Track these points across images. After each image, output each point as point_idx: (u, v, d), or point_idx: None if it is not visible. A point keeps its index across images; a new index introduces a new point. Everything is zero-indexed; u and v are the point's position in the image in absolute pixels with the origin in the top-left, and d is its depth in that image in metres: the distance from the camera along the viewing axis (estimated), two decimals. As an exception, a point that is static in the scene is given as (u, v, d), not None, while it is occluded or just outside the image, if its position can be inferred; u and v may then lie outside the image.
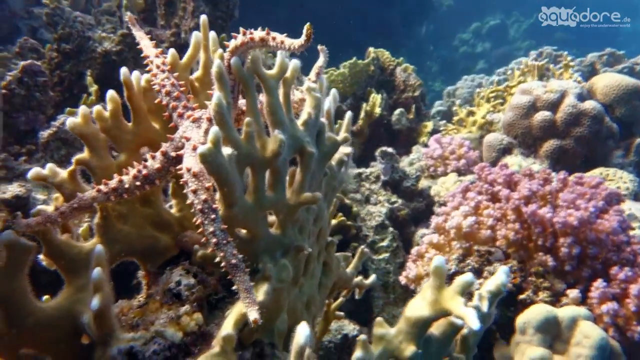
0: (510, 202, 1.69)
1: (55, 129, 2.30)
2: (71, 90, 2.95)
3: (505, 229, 1.66)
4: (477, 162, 2.86)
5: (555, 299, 1.53)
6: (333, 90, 1.07)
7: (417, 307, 0.81)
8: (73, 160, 0.88)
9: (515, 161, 2.55)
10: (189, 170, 0.78)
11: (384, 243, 2.60)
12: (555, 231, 1.58)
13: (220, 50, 0.83)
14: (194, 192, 0.76)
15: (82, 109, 0.87)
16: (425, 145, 3.24)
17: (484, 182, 1.88)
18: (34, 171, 0.86)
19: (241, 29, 0.82)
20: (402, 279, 1.94)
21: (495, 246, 1.70)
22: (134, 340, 0.78)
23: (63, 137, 2.31)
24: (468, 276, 0.79)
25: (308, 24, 0.74)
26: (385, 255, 2.57)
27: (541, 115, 2.66)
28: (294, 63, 0.87)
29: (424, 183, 2.91)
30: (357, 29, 7.90)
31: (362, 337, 0.80)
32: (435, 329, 0.85)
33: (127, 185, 0.82)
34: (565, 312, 1.42)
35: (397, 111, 3.52)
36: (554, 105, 2.66)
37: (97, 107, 0.88)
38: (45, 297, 0.86)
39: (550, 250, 1.59)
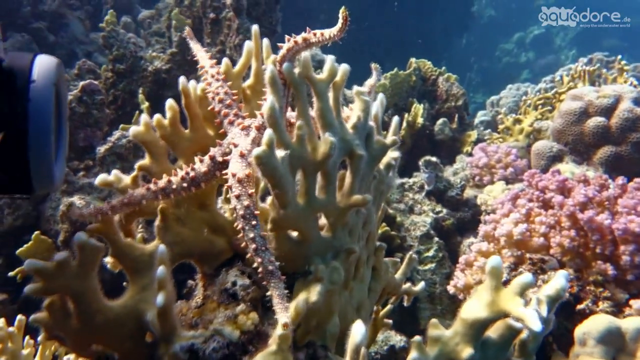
0: (564, 209, 1.63)
1: (110, 144, 2.42)
2: (124, 107, 3.11)
3: (560, 236, 1.60)
4: (525, 170, 2.78)
5: (617, 310, 1.46)
6: (380, 95, 1.08)
7: (474, 309, 0.79)
8: (136, 166, 0.92)
9: (566, 168, 2.47)
10: (234, 175, 0.81)
11: (430, 253, 2.56)
12: (615, 239, 1.51)
13: (273, 56, 0.86)
14: (237, 197, 0.79)
15: (144, 117, 0.92)
16: (470, 155, 3.18)
17: (535, 189, 1.83)
18: (101, 177, 0.92)
19: (286, 37, 0.85)
20: (451, 289, 1.91)
21: (549, 254, 1.64)
22: (194, 338, 0.81)
23: (118, 152, 2.43)
24: (527, 277, 0.77)
25: (343, 7, 0.77)
26: (431, 265, 2.53)
27: (594, 121, 2.57)
28: (344, 67, 0.89)
29: (469, 192, 2.85)
30: (396, 42, 7.90)
31: (417, 338, 0.80)
32: (493, 332, 0.83)
33: (174, 186, 0.85)
34: (629, 323, 1.36)
35: (440, 121, 3.49)
36: (608, 111, 2.56)
37: (157, 116, 0.92)
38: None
39: (609, 259, 1.52)
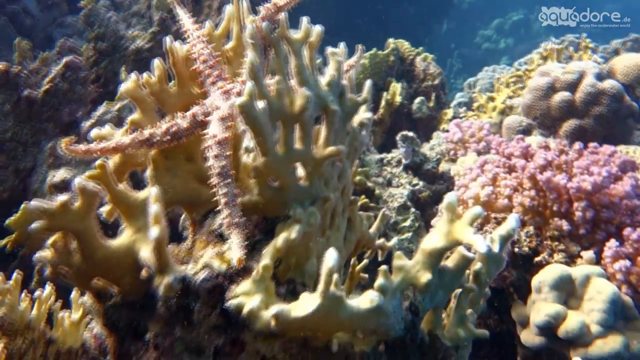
0: (526, 171, 1.76)
1: (95, 119, 2.48)
2: (107, 86, 3.14)
3: (522, 196, 1.73)
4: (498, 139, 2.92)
5: (571, 260, 1.60)
6: (352, 58, 1.18)
7: (432, 239, 0.91)
8: (127, 120, 1.01)
9: (534, 140, 2.60)
10: (214, 136, 0.90)
11: (407, 223, 2.68)
12: (570, 197, 1.65)
13: (252, 16, 0.95)
14: (216, 157, 0.88)
15: (132, 75, 1.00)
16: (446, 132, 3.31)
17: (502, 155, 1.96)
18: (95, 131, 1.00)
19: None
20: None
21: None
22: (186, 270, 0.90)
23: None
24: (477, 209, 0.88)
25: None
26: (408, 235, 2.66)
27: (560, 96, 2.71)
28: (317, 28, 0.98)
29: (444, 166, 2.98)
30: (376, 28, 7.97)
31: (383, 267, 0.90)
32: (449, 261, 0.94)
33: (157, 138, 0.94)
34: (579, 270, 1.49)
35: (418, 99, 3.60)
36: (572, 86, 2.70)
37: (145, 74, 1.01)
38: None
39: (565, 216, 1.66)
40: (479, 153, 2.88)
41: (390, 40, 3.79)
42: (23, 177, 2.47)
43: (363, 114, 1.21)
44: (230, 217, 0.85)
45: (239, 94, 0.96)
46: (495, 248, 1.00)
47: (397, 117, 3.63)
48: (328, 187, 1.09)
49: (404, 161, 2.91)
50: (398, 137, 2.95)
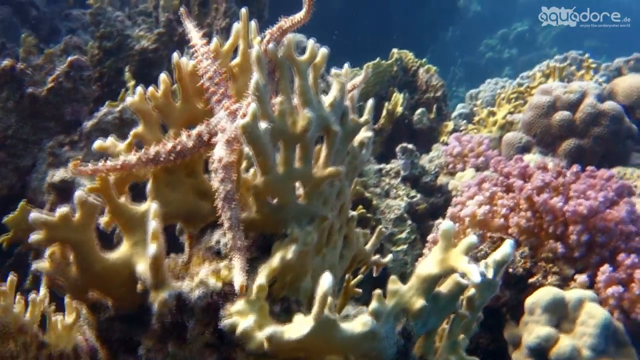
0: (523, 192, 1.77)
1: (97, 120, 2.49)
2: (110, 85, 3.15)
3: (518, 217, 1.74)
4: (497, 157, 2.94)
5: (564, 283, 1.61)
6: (358, 78, 1.19)
7: (427, 266, 0.91)
8: (131, 133, 1.01)
9: (532, 158, 2.62)
10: (219, 160, 0.91)
11: (403, 235, 2.69)
12: (566, 220, 1.66)
13: (259, 37, 0.96)
14: (221, 180, 0.90)
15: (139, 88, 1.01)
16: (446, 144, 3.32)
17: (499, 174, 1.97)
18: (98, 143, 1.01)
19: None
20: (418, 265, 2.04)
21: (508, 234, 1.79)
22: (182, 287, 0.91)
23: (104, 128, 2.49)
24: (472, 238, 0.89)
25: None
26: (404, 247, 2.67)
27: (560, 115, 2.72)
28: (323, 50, 0.99)
29: (442, 179, 3.00)
30: (380, 34, 8.00)
31: (378, 291, 0.91)
32: (443, 287, 0.95)
33: (162, 157, 0.95)
34: (572, 294, 1.50)
35: (419, 111, 3.62)
36: (573, 105, 2.72)
37: (150, 88, 1.01)
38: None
39: (560, 238, 1.67)
40: (478, 168, 2.89)
41: (395, 50, 3.80)
42: (22, 174, 2.48)
43: (364, 133, 1.22)
44: (233, 240, 0.86)
45: (245, 116, 0.97)
46: (490, 274, 1.01)
47: (398, 127, 3.64)
48: (326, 206, 1.10)
49: (402, 173, 2.92)
50: (397, 149, 2.96)
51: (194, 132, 0.96)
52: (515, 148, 2.91)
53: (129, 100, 1.00)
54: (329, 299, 0.84)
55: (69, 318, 1.43)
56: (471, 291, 1.00)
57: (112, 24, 3.13)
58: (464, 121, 4.02)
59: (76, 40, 3.32)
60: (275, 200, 1.01)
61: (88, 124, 2.49)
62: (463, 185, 2.06)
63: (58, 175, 2.29)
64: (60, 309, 1.44)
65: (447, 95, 3.86)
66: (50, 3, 5.13)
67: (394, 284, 0.93)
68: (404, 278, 2.76)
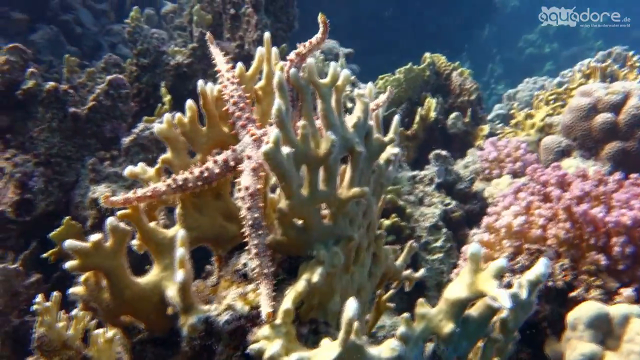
0: (561, 202, 1.71)
1: (135, 135, 2.57)
2: (148, 100, 3.25)
3: (557, 228, 1.68)
4: (534, 164, 2.84)
5: (608, 298, 1.53)
6: (382, 96, 1.18)
7: (455, 289, 0.89)
8: (159, 160, 1.04)
9: (572, 163, 2.53)
10: (247, 188, 0.92)
11: (438, 243, 2.65)
12: (609, 231, 1.59)
13: (281, 63, 0.96)
14: (249, 209, 0.91)
15: (166, 116, 1.03)
16: (481, 149, 3.25)
17: (536, 182, 1.91)
18: (129, 169, 1.04)
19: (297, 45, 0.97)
20: (454, 276, 2.00)
21: (546, 245, 1.72)
22: (210, 311, 0.92)
23: (141, 143, 2.57)
24: (501, 261, 0.86)
25: (320, 13, 0.90)
26: (439, 255, 2.62)
27: (602, 117, 2.61)
28: (345, 73, 0.98)
29: (478, 186, 2.93)
30: (414, 35, 7.91)
31: (406, 314, 0.90)
32: (474, 310, 0.93)
33: (190, 184, 0.97)
34: (617, 309, 1.43)
35: (453, 115, 3.55)
36: (616, 107, 2.60)
37: (178, 115, 1.04)
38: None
39: (603, 250, 1.60)
40: (515, 173, 2.81)
41: (427, 54, 3.75)
42: (66, 190, 2.59)
43: (390, 150, 1.20)
44: (260, 267, 0.87)
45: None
46: (523, 295, 0.98)
47: (431, 132, 3.59)
48: (353, 226, 1.09)
49: (436, 180, 2.87)
50: (431, 156, 2.92)
51: (221, 158, 0.97)
52: (554, 152, 2.81)
53: (157, 127, 1.02)
54: (356, 324, 0.84)
55: (110, 332, 1.48)
56: (504, 313, 0.97)
57: (149, 40, 3.23)
58: (501, 124, 3.92)
59: (115, 58, 3.45)
60: (300, 222, 1.01)
61: (126, 140, 2.58)
62: (498, 194, 2.01)
63: (99, 191, 2.37)
64: (102, 323, 1.49)
65: (482, 98, 3.77)
66: (94, 19, 5.35)
67: (422, 307, 0.92)
68: (440, 287, 2.72)
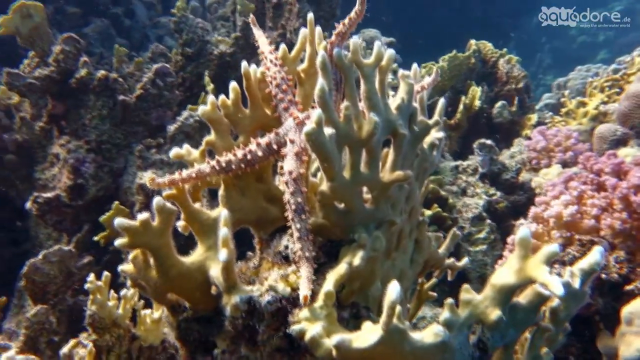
0: (617, 191, 1.62)
1: (179, 123, 2.63)
2: (192, 89, 3.31)
3: (611, 218, 1.60)
4: (586, 153, 2.71)
5: (666, 293, 1.45)
6: (427, 78, 1.15)
7: (503, 275, 0.86)
8: (203, 141, 1.06)
9: (629, 152, 2.39)
10: (290, 173, 0.92)
11: (481, 235, 2.58)
12: (669, 222, 1.49)
13: (324, 43, 0.95)
14: (292, 193, 0.91)
15: (210, 97, 1.04)
16: (528, 138, 3.13)
17: (590, 171, 1.82)
18: (175, 151, 1.06)
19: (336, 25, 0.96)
20: (498, 268, 1.94)
21: (599, 236, 1.64)
22: (252, 291, 0.93)
23: (186, 131, 2.63)
24: (553, 246, 0.82)
25: None
26: (482, 247, 2.56)
27: (662, 104, 2.46)
28: (389, 52, 0.96)
29: (525, 176, 2.83)
30: (458, 22, 7.70)
31: (449, 300, 0.87)
32: (522, 297, 0.89)
33: (233, 166, 0.98)
34: (676, 305, 1.35)
35: (499, 104, 3.43)
36: (678, 92, 2.44)
37: (221, 97, 1.05)
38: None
39: (662, 242, 1.51)
40: (565, 164, 2.69)
41: (472, 41, 3.64)
42: (116, 176, 2.68)
43: (434, 134, 1.18)
44: (302, 251, 0.87)
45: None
46: (576, 284, 0.94)
47: (476, 121, 3.49)
48: (395, 210, 1.07)
49: (480, 170, 2.79)
50: (475, 145, 2.84)
51: (264, 141, 0.98)
52: (609, 142, 2.67)
53: (202, 109, 1.03)
54: (398, 308, 0.82)
55: (156, 313, 1.53)
56: (555, 302, 0.93)
57: (194, 30, 3.28)
58: (550, 113, 3.76)
59: (162, 48, 3.53)
60: (342, 206, 1.00)
61: (172, 128, 2.64)
62: (547, 183, 1.93)
63: (146, 176, 2.44)
64: (149, 304, 1.54)
65: (529, 86, 3.63)
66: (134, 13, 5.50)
67: (467, 293, 0.89)
68: (483, 280, 2.65)
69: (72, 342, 1.55)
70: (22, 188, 3.01)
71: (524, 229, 0.84)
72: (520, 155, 2.93)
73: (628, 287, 1.51)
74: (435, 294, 1.53)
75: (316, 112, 0.86)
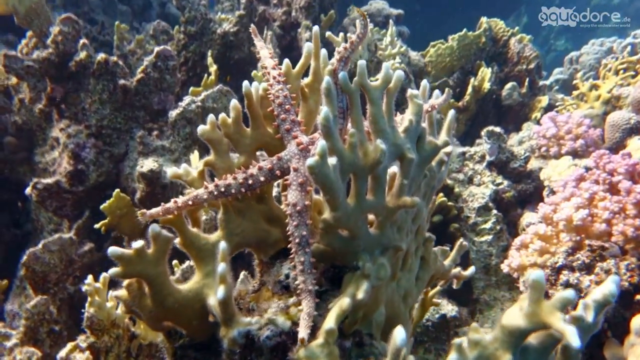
0: (631, 196, 1.57)
1: (181, 109, 2.56)
2: (195, 69, 3.23)
3: (624, 224, 1.55)
4: (597, 142, 2.64)
5: (678, 305, 1.42)
6: (436, 92, 1.08)
7: (514, 317, 0.82)
8: (201, 162, 1.01)
9: (643, 145, 2.32)
10: (295, 205, 0.88)
11: (487, 225, 2.54)
12: (683, 232, 1.45)
13: (330, 67, 0.89)
14: (296, 226, 0.88)
15: (210, 117, 0.99)
16: (538, 122, 3.04)
17: (602, 170, 1.76)
18: (172, 171, 1.01)
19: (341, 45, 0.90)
20: (505, 267, 1.91)
21: (611, 242, 1.60)
22: (251, 324, 0.90)
23: (188, 117, 2.57)
24: (569, 292, 0.78)
25: (356, 8, 0.84)
26: (488, 237, 2.52)
27: (680, 93, 2.37)
28: (398, 74, 0.90)
29: (533, 164, 2.76)
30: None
31: (457, 340, 0.84)
32: (534, 338, 0.86)
33: (233, 190, 0.93)
34: (687, 320, 1.32)
35: (509, 85, 3.34)
36: (697, 81, 2.34)
37: (222, 115, 0.99)
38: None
39: (675, 252, 1.47)
40: (575, 152, 2.63)
41: (483, 19, 3.50)
42: (116, 162, 2.64)
43: (443, 149, 1.12)
44: (304, 284, 0.84)
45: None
46: (590, 318, 0.90)
47: (484, 103, 3.40)
48: (401, 233, 1.03)
49: (488, 158, 2.73)
50: (483, 133, 2.77)
51: (266, 166, 0.93)
52: (621, 130, 2.60)
53: (201, 129, 0.98)
54: (403, 353, 0.79)
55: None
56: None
57: (196, 7, 3.17)
58: (561, 95, 3.65)
59: (164, 25, 3.42)
60: (345, 233, 0.96)
61: (173, 113, 2.58)
62: (558, 183, 1.87)
63: (147, 165, 2.40)
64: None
65: (541, 66, 3.51)
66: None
67: (475, 332, 0.86)
68: (488, 270, 2.61)
69: (69, 345, 1.55)
70: (22, 171, 2.98)
71: (537, 272, 0.80)
72: (529, 142, 2.86)
73: (639, 297, 1.48)
74: (440, 301, 1.51)
75: (320, 144, 0.81)
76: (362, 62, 0.87)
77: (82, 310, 1.51)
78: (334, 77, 0.88)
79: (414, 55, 3.28)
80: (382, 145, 0.88)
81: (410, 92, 0.95)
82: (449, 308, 2.31)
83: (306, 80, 1.06)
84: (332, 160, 0.84)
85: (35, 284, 2.24)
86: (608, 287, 0.91)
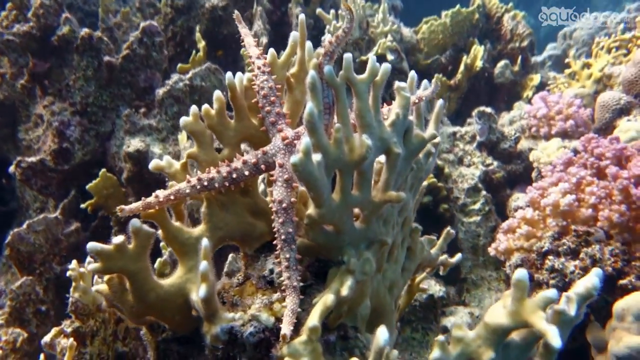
0: (617, 182, 1.57)
1: (168, 87, 2.50)
2: (182, 44, 3.15)
3: (609, 209, 1.56)
4: (587, 123, 2.64)
5: (660, 290, 1.44)
6: (424, 82, 1.06)
7: (497, 315, 0.83)
8: (184, 154, 0.98)
9: (632, 126, 2.31)
10: (280, 202, 0.86)
11: (476, 206, 2.55)
12: (668, 218, 1.46)
13: (314, 60, 0.86)
14: (282, 223, 0.87)
15: (193, 108, 0.96)
16: (529, 102, 3.02)
17: (590, 154, 1.76)
18: (154, 163, 0.99)
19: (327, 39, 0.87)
20: (491, 251, 1.92)
21: (596, 227, 1.61)
22: (234, 320, 0.90)
23: (175, 95, 2.51)
24: (551, 292, 0.79)
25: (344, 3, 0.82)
26: (476, 218, 2.54)
27: (672, 74, 2.35)
28: (385, 67, 0.87)
29: (524, 144, 2.76)
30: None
31: (440, 338, 0.85)
32: (516, 335, 0.86)
33: (217, 184, 0.92)
34: (668, 305, 1.35)
35: (501, 63, 3.30)
36: (689, 62, 2.33)
37: (205, 106, 0.96)
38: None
39: (659, 238, 1.48)
40: (565, 133, 2.62)
41: (477, -6, 3.43)
42: (103, 140, 2.59)
43: (431, 131, 1.10)
44: (289, 280, 0.84)
45: None
46: (572, 311, 0.90)
47: (476, 81, 3.36)
48: (387, 226, 1.03)
49: (478, 138, 2.71)
50: (474, 113, 2.74)
51: (251, 160, 0.91)
52: (611, 110, 2.58)
53: (184, 120, 0.96)
54: (385, 351, 0.79)
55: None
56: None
57: (182, -21, 3.06)
58: (553, 73, 3.62)
59: (149, -2, 3.30)
60: (330, 227, 0.95)
61: (160, 92, 2.52)
62: (546, 168, 1.87)
63: (133, 145, 2.36)
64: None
65: (534, 44, 3.47)
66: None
67: (458, 330, 0.86)
68: (475, 250, 2.62)
69: (54, 330, 1.54)
70: (6, 148, 2.93)
71: (521, 271, 0.80)
72: (520, 121, 2.85)
73: (622, 282, 1.50)
74: (426, 287, 1.52)
75: (304, 141, 0.79)
76: (348, 56, 0.84)
77: (67, 295, 1.51)
78: (319, 71, 0.85)
79: (406, 31, 3.21)
80: (368, 141, 0.86)
81: (397, 84, 0.93)
82: (436, 288, 2.33)
83: (292, 70, 1.03)
84: (316, 157, 0.83)
85: (20, 264, 2.22)
86: (591, 280, 0.91)
